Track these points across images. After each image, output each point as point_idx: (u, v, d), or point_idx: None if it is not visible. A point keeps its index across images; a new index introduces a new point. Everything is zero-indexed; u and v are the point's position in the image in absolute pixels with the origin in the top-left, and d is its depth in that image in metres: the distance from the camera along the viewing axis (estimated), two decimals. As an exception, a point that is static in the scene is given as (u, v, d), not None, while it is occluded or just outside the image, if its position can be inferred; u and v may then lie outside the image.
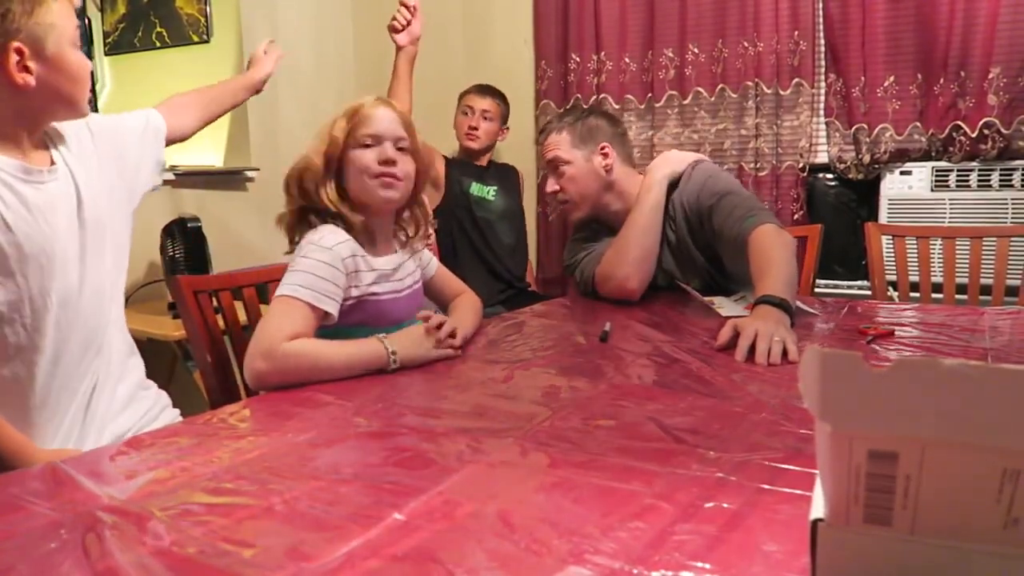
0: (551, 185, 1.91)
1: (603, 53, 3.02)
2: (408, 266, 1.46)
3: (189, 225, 2.49)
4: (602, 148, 1.90)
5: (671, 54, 2.91)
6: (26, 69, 1.11)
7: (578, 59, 3.06)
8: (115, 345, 1.33)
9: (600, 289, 1.89)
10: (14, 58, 1.09)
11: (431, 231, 2.10)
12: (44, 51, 1.12)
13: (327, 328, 1.28)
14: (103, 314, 1.28)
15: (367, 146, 1.35)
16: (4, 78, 1.10)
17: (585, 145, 1.89)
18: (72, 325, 1.21)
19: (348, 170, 1.36)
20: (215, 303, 1.61)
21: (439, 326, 1.32)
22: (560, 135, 1.90)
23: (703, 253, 1.88)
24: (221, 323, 1.61)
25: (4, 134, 1.15)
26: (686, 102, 2.92)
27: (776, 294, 1.46)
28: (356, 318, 1.33)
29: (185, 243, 2.48)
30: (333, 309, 1.27)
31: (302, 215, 1.38)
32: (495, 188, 2.86)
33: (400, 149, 1.38)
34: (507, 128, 2.94)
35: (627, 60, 3.00)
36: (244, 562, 0.66)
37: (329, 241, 1.29)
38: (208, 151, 3.11)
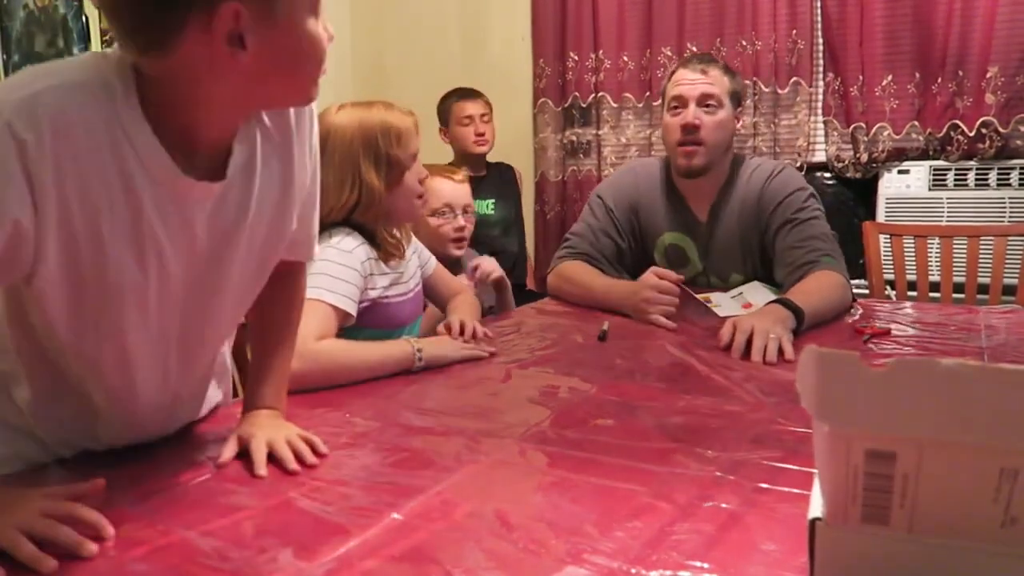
0: (695, 116, 1.72)
1: (601, 51, 3.02)
2: (411, 268, 1.48)
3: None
4: (740, 113, 1.84)
5: (669, 52, 2.91)
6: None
7: (576, 57, 3.06)
8: None
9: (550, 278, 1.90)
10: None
11: (467, 231, 1.91)
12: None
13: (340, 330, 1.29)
14: None
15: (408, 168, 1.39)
16: None
17: (734, 101, 1.79)
18: None
19: (399, 187, 1.39)
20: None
21: (462, 330, 1.37)
22: (723, 77, 1.77)
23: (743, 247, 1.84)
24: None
25: None
26: (684, 101, 2.92)
27: (795, 302, 1.45)
28: (367, 320, 1.34)
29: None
30: (353, 311, 1.29)
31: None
32: (493, 200, 2.86)
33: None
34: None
35: (625, 59, 2.99)
36: (244, 562, 0.66)
37: (347, 245, 1.32)
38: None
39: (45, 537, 0.66)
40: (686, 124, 1.72)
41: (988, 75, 2.46)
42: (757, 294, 1.72)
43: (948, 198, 2.55)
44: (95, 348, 0.82)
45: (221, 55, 0.70)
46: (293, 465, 0.85)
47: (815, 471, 0.56)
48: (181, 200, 0.78)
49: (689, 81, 1.75)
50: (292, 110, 0.88)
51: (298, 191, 0.91)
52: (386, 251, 1.38)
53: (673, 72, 1.82)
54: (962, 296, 2.19)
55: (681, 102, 1.74)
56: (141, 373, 0.87)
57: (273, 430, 0.90)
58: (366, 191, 1.34)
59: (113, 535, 0.69)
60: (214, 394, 1.10)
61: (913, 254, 2.28)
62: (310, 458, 0.87)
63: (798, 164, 2.76)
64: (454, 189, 1.85)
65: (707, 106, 1.73)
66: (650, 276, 1.63)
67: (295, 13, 0.73)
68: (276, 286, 1.00)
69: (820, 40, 2.74)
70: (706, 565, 0.64)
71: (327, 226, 1.35)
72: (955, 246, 2.23)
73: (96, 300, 0.78)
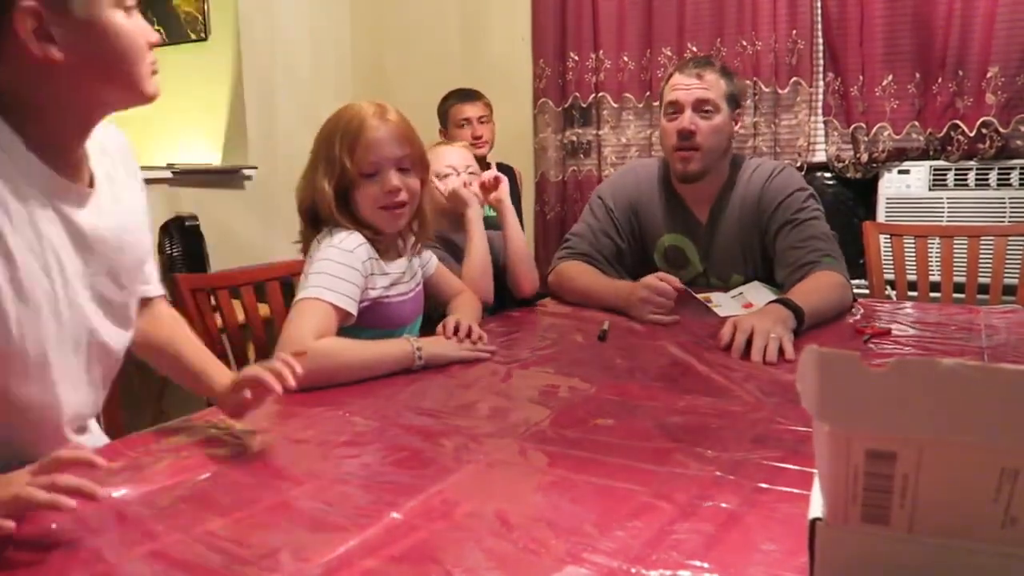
0: (690, 122, 1.71)
1: (601, 52, 3.02)
2: (413, 268, 1.48)
3: (187, 223, 2.49)
4: (739, 114, 1.83)
5: (669, 52, 2.91)
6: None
7: (576, 58, 3.06)
8: None
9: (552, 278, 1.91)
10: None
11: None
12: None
13: (340, 329, 1.29)
14: None
15: (370, 175, 1.34)
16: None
17: (732, 103, 1.78)
18: None
19: (357, 194, 1.36)
20: (213, 302, 1.61)
21: (456, 328, 1.36)
22: (720, 80, 1.75)
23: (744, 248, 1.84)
24: (219, 321, 1.61)
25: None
26: (684, 101, 2.92)
27: (796, 302, 1.45)
28: (367, 320, 1.34)
29: (183, 241, 2.48)
30: (354, 310, 1.29)
31: (316, 225, 1.39)
32: None
33: (402, 169, 1.36)
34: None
35: (625, 59, 3.00)
36: (243, 562, 0.66)
37: (349, 244, 1.32)
38: (206, 149, 3.10)
39: (46, 487, 0.68)
40: (681, 130, 1.72)
41: (988, 75, 2.46)
42: (757, 294, 1.72)
43: (948, 198, 2.55)
44: (22, 369, 0.84)
45: (37, 53, 0.76)
46: (279, 385, 0.89)
47: (815, 471, 0.56)
48: (64, 203, 0.85)
49: (684, 86, 1.74)
50: (113, 137, 0.98)
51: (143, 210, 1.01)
52: (372, 243, 1.37)
53: (670, 76, 1.82)
54: (962, 296, 2.19)
55: (677, 107, 1.74)
56: (63, 385, 0.90)
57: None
58: (318, 193, 1.35)
59: (107, 496, 0.70)
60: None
61: (913, 254, 2.28)
62: (288, 376, 0.91)
63: (798, 164, 2.77)
64: (453, 151, 1.87)
65: (703, 111, 1.73)
66: (651, 277, 1.64)
67: (92, 6, 0.79)
68: (147, 318, 1.09)
69: (820, 40, 2.74)
70: (706, 565, 0.64)
71: (329, 224, 1.36)
72: (955, 246, 2.23)
73: (19, 317, 0.81)
